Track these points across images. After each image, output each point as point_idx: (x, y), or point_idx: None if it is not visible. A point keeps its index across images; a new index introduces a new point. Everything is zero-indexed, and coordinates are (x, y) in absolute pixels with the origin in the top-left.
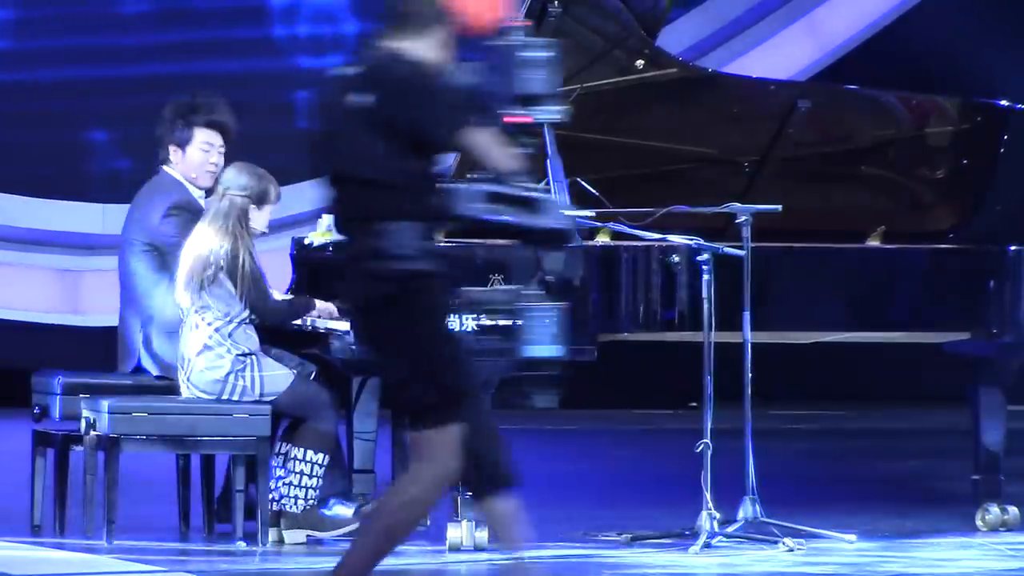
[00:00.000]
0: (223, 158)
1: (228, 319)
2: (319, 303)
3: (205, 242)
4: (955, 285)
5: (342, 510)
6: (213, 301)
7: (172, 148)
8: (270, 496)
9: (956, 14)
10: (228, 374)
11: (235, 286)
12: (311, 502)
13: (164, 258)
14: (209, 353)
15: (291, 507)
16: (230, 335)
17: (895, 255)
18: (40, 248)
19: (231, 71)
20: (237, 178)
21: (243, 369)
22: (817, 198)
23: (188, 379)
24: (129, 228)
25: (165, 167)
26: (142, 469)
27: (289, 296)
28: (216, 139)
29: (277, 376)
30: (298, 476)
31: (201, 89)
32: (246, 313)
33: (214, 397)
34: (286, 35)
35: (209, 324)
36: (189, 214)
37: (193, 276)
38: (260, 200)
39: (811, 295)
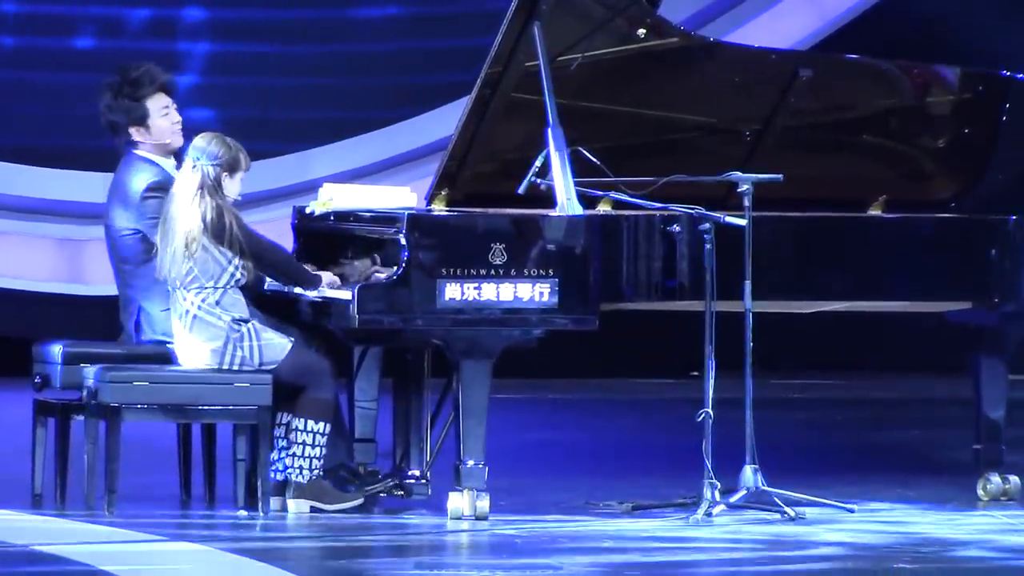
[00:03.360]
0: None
1: (214, 286)
2: (324, 276)
3: (184, 215)
4: (957, 254)
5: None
6: (199, 270)
7: (133, 129)
8: (273, 467)
9: None
10: (225, 343)
11: (226, 247)
12: (316, 472)
13: (150, 242)
14: (200, 324)
15: (297, 477)
16: (218, 302)
17: (897, 224)
18: (41, 217)
19: None
20: (207, 147)
21: (240, 339)
22: (818, 167)
23: (186, 353)
24: (111, 215)
25: (134, 150)
26: (143, 439)
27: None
28: (168, 99)
29: (276, 344)
30: (301, 447)
31: (122, 64)
32: (228, 275)
33: (213, 368)
34: None
35: (196, 294)
36: (168, 192)
37: (177, 251)
38: (231, 168)
39: (812, 264)
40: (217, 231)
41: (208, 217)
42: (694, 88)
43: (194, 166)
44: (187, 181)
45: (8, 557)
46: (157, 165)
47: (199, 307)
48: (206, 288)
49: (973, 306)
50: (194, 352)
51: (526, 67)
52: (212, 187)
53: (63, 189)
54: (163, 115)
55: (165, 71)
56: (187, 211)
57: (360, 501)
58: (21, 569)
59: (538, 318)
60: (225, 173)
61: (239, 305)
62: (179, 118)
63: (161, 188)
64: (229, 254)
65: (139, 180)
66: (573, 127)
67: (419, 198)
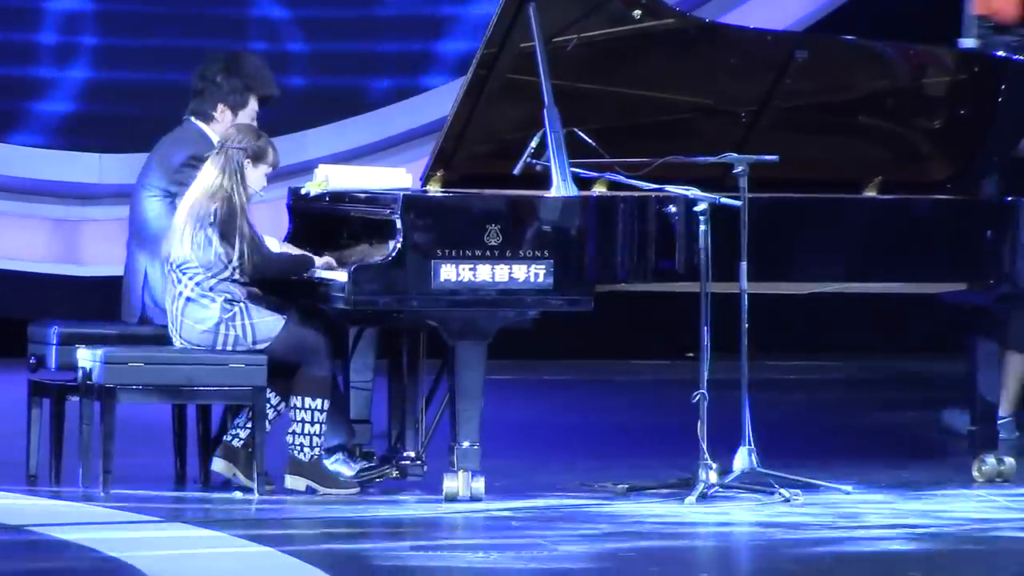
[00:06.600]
0: None
1: (209, 275)
2: (318, 260)
3: (201, 198)
4: (952, 236)
5: (343, 469)
6: (198, 255)
7: (221, 106)
8: (233, 430)
9: None
10: (218, 324)
11: (228, 246)
12: (316, 450)
13: (172, 208)
14: (194, 305)
15: (298, 454)
16: (212, 288)
17: (892, 206)
18: (37, 198)
19: None
20: (236, 135)
21: (233, 318)
22: (814, 148)
23: (179, 334)
24: (146, 173)
25: (193, 119)
26: (138, 419)
27: (288, 246)
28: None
29: (268, 322)
30: (301, 424)
31: (259, 58)
32: (228, 272)
33: (207, 348)
34: None
35: (191, 279)
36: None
37: (184, 230)
38: (257, 157)
39: (808, 246)
40: (225, 230)
41: (220, 214)
42: (690, 69)
43: (220, 147)
44: (212, 165)
45: (3, 538)
46: (208, 139)
47: (192, 290)
48: (199, 275)
49: (968, 287)
50: (186, 333)
51: (522, 48)
52: (234, 171)
53: (59, 170)
54: (251, 118)
55: (278, 88)
56: (203, 197)
57: (356, 490)
58: (16, 547)
59: (533, 299)
60: (249, 160)
61: (233, 293)
62: None
63: (202, 160)
64: (233, 253)
65: (186, 147)
66: (569, 108)
67: (415, 179)
